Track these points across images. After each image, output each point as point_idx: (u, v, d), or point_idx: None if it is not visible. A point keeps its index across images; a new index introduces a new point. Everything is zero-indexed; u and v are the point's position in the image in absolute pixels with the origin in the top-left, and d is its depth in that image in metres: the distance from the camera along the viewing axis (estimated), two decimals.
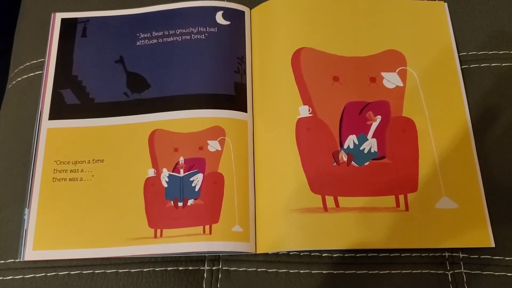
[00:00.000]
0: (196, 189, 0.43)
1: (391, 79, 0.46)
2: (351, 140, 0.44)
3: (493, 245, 0.41)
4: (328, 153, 0.44)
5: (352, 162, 0.43)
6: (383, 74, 0.46)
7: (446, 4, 0.50)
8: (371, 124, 0.45)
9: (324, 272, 0.42)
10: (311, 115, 0.45)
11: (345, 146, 0.44)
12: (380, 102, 0.45)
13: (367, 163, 0.43)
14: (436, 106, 0.45)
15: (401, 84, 0.46)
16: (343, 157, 0.44)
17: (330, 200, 0.42)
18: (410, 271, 0.41)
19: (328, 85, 0.46)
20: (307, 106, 0.45)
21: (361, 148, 0.44)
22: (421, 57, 0.47)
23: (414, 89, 0.46)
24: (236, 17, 0.50)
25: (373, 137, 0.44)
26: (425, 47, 0.48)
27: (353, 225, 0.41)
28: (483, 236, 0.41)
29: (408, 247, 0.41)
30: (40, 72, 0.50)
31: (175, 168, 0.44)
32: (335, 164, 0.43)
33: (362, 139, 0.44)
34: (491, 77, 0.47)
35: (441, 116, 0.45)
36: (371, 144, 0.44)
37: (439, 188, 0.43)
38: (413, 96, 0.46)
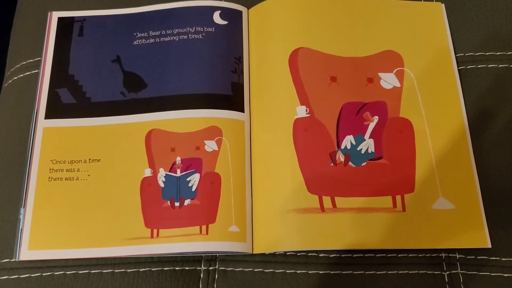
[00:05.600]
0: (193, 189, 0.43)
1: (388, 80, 0.46)
2: (348, 141, 0.44)
3: (489, 245, 0.41)
4: (325, 154, 0.44)
5: (349, 162, 0.43)
6: (380, 74, 0.46)
7: (443, 5, 0.50)
8: (368, 124, 0.45)
9: (321, 272, 0.42)
10: (308, 115, 0.44)
11: (342, 147, 0.44)
12: (377, 103, 0.45)
13: (364, 164, 0.43)
14: (433, 107, 0.45)
15: (398, 85, 0.46)
16: (340, 157, 0.44)
17: (327, 201, 0.42)
18: (407, 271, 0.41)
19: (325, 85, 0.46)
20: (304, 106, 0.45)
21: (358, 149, 0.44)
22: (418, 57, 0.47)
23: (411, 89, 0.46)
24: (233, 17, 0.50)
25: (370, 137, 0.44)
26: (422, 48, 0.48)
27: (350, 226, 0.41)
28: (479, 237, 0.42)
29: (405, 247, 0.41)
30: (37, 71, 0.50)
31: (172, 168, 0.44)
32: (332, 164, 0.43)
33: (359, 139, 0.44)
34: (488, 78, 0.47)
35: (438, 117, 0.45)
36: (368, 145, 0.44)
37: (436, 189, 0.43)
38: (410, 97, 0.46)
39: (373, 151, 0.44)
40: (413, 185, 0.43)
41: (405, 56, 0.47)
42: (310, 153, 0.43)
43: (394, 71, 0.47)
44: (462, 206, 0.42)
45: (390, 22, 0.49)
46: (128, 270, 0.42)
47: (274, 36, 0.48)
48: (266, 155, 0.44)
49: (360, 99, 0.45)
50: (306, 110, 0.45)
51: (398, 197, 0.42)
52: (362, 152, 0.44)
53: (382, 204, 0.42)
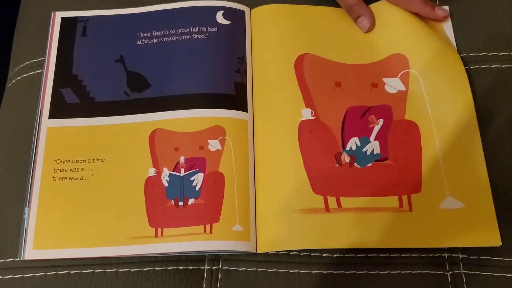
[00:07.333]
0: (197, 189, 0.43)
1: (393, 85, 0.46)
2: (353, 142, 0.44)
3: (500, 243, 0.41)
4: (331, 155, 0.44)
5: (355, 163, 0.43)
6: (384, 80, 0.46)
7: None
8: (373, 127, 0.45)
9: (324, 272, 0.42)
10: (313, 117, 0.45)
11: (348, 148, 0.44)
12: (382, 106, 0.45)
13: (369, 165, 0.43)
14: (439, 105, 0.45)
15: (403, 89, 0.46)
16: (346, 158, 0.44)
17: (332, 201, 0.42)
18: (409, 271, 0.41)
19: (330, 90, 0.46)
20: (310, 109, 0.45)
21: (363, 150, 0.44)
22: (423, 57, 0.47)
23: (417, 90, 0.46)
24: (236, 17, 0.50)
25: (375, 139, 0.44)
26: (427, 48, 0.47)
27: (355, 225, 0.41)
28: (491, 234, 0.41)
29: (412, 246, 0.41)
30: (40, 71, 0.50)
31: (176, 168, 0.44)
32: (337, 165, 0.43)
33: (365, 141, 0.44)
34: (491, 79, 0.47)
35: (445, 115, 0.44)
36: (373, 146, 0.44)
37: (444, 189, 0.42)
38: (416, 97, 0.45)
39: (379, 152, 0.44)
40: (420, 185, 0.43)
41: (410, 57, 0.47)
42: (315, 154, 0.43)
43: (399, 75, 0.46)
44: (472, 204, 0.42)
45: (395, 24, 0.48)
46: (132, 270, 0.42)
47: (280, 41, 0.48)
48: (270, 155, 0.44)
49: (365, 104, 0.45)
50: (312, 112, 0.45)
51: (405, 197, 0.42)
52: (368, 153, 0.44)
53: (388, 204, 0.42)
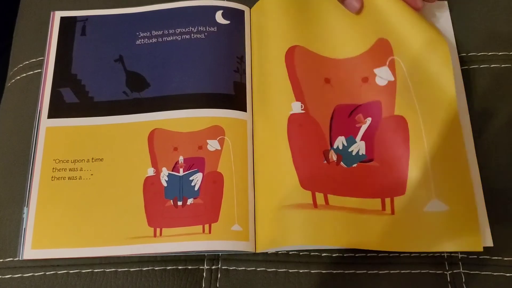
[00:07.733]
0: (196, 189, 0.43)
1: (383, 75, 0.44)
2: (340, 141, 0.44)
3: (481, 249, 0.40)
4: (319, 151, 0.43)
5: (341, 162, 0.43)
6: (375, 70, 0.45)
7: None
8: (360, 126, 0.44)
9: (323, 271, 0.42)
10: (303, 111, 0.44)
11: (335, 146, 0.44)
12: (370, 104, 0.44)
13: (355, 165, 0.43)
14: (427, 100, 0.43)
15: (392, 79, 0.44)
16: (333, 156, 0.43)
17: (320, 197, 0.41)
18: (409, 271, 0.41)
19: (319, 86, 0.45)
20: (300, 102, 0.44)
21: (349, 150, 0.43)
22: (404, 43, 0.45)
23: (403, 79, 0.44)
24: (235, 17, 0.50)
25: (361, 139, 0.44)
26: (408, 34, 0.45)
27: (342, 224, 0.40)
28: (473, 239, 0.39)
29: (397, 250, 0.40)
30: (39, 70, 0.50)
31: (175, 167, 0.44)
32: (325, 162, 0.43)
33: (351, 141, 0.44)
34: (490, 78, 0.47)
35: (430, 110, 0.43)
36: (359, 147, 0.43)
37: (429, 190, 0.41)
38: (403, 88, 0.44)
39: (364, 153, 0.43)
40: (404, 188, 0.41)
41: (392, 42, 0.45)
42: (304, 149, 0.43)
43: (387, 63, 0.45)
44: (456, 207, 0.40)
45: (377, 5, 0.46)
46: (131, 269, 0.42)
47: (272, 33, 0.47)
48: (265, 153, 0.44)
49: (354, 101, 0.45)
50: (302, 106, 0.44)
51: (388, 200, 0.41)
52: (353, 154, 0.43)
53: (371, 206, 0.41)
